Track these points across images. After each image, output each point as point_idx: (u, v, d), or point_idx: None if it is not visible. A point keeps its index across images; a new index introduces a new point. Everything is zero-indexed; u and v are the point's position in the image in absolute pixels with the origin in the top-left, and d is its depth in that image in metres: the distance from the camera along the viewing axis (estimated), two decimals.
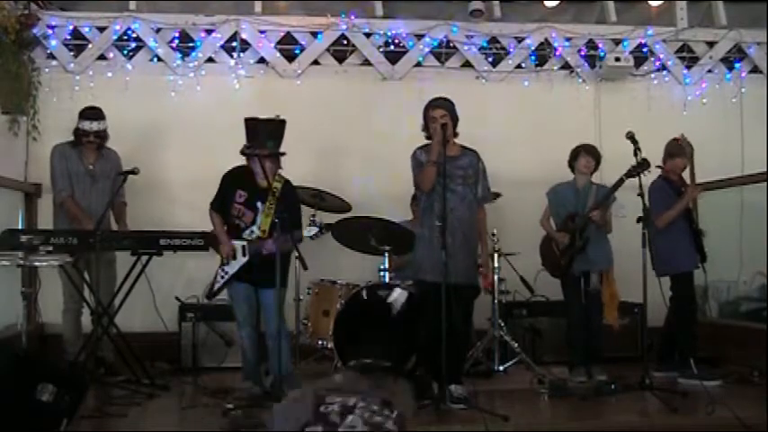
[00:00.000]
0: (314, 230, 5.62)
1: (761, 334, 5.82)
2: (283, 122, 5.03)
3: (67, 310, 5.73)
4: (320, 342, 5.82)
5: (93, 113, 5.72)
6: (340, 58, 7.22)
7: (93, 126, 5.68)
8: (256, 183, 5.01)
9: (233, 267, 4.97)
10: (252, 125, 4.99)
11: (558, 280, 5.81)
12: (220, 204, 5.09)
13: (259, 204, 4.96)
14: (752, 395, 5.10)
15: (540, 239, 5.90)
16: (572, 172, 5.86)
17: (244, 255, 4.94)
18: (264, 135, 4.95)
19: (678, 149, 5.80)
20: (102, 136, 5.74)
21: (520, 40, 7.33)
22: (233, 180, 5.10)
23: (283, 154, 5.05)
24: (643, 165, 5.26)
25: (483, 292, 5.38)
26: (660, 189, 5.75)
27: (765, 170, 6.06)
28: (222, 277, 5.01)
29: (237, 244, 4.97)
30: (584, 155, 5.80)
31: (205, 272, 6.04)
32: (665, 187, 5.77)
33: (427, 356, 4.94)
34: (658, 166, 5.78)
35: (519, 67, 7.35)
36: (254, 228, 4.98)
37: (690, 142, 5.77)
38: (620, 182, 5.42)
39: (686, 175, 5.82)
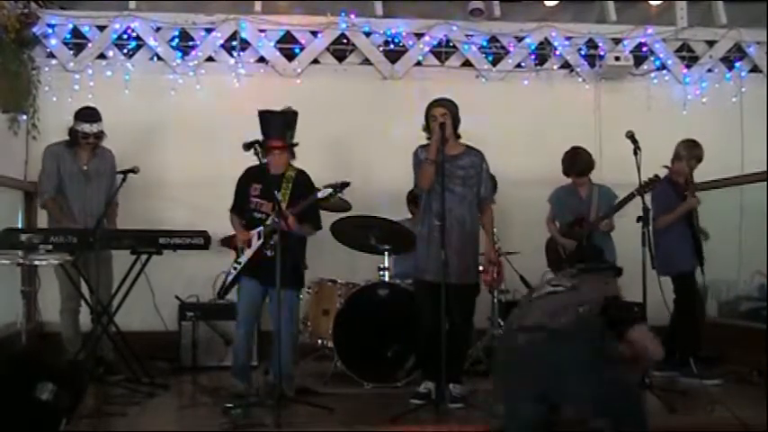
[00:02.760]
0: (328, 191, 4.87)
1: (760, 333, 5.82)
2: (296, 113, 5.06)
3: (65, 309, 5.72)
4: (320, 341, 5.82)
5: (90, 115, 5.69)
6: (340, 57, 7.22)
7: (94, 128, 5.66)
8: (270, 174, 4.99)
9: (246, 256, 4.96)
10: (267, 117, 5.00)
11: None
12: (239, 207, 5.12)
13: (276, 193, 4.93)
14: (751, 395, 5.10)
15: (544, 240, 5.90)
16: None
17: (259, 239, 4.92)
18: (281, 126, 4.96)
19: (686, 151, 5.77)
20: (99, 137, 5.73)
21: (520, 39, 7.33)
22: (246, 179, 5.11)
23: (296, 144, 5.07)
24: (655, 181, 5.25)
25: (486, 289, 5.40)
26: (662, 190, 5.73)
27: (765, 170, 6.06)
28: (235, 269, 5.01)
29: (254, 231, 4.97)
30: (575, 177, 5.87)
31: (205, 270, 6.08)
32: (666, 189, 5.74)
33: (426, 355, 4.94)
34: (665, 166, 5.78)
35: (519, 66, 7.34)
36: (275, 216, 4.88)
37: (697, 154, 5.75)
38: (631, 196, 5.36)
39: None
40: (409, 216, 6.28)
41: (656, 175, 5.27)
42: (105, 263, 5.71)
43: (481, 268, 5.21)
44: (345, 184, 4.87)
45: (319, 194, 4.82)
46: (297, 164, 5.17)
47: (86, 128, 5.65)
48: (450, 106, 4.98)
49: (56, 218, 5.67)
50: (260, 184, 5.03)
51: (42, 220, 6.32)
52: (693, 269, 5.74)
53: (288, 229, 4.73)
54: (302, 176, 5.04)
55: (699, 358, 5.57)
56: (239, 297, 5.06)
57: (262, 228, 4.93)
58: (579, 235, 5.64)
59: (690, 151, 5.77)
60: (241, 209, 5.10)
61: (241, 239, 5.02)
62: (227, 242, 5.29)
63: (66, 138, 5.74)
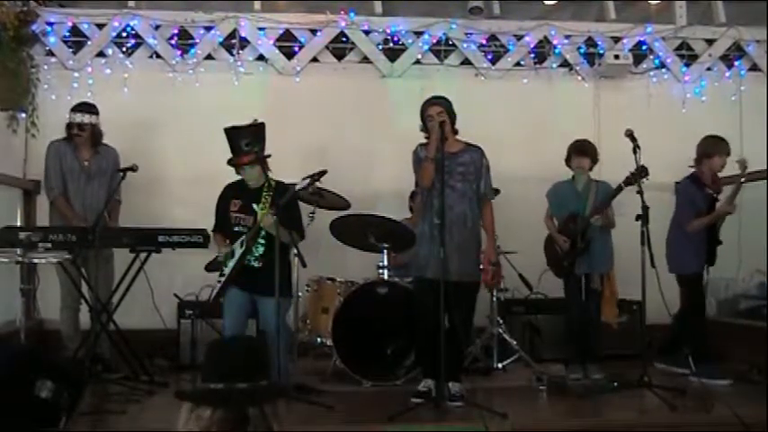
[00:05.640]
0: (306, 182, 4.87)
1: (760, 332, 5.83)
2: (263, 125, 5.08)
3: (65, 307, 5.72)
4: (319, 339, 5.82)
5: (81, 107, 5.72)
6: (339, 55, 7.21)
7: (86, 118, 5.65)
8: (248, 188, 5.03)
9: (230, 264, 4.96)
10: (233, 134, 5.01)
11: (559, 279, 5.81)
12: (221, 225, 5.16)
13: (254, 206, 4.97)
14: (751, 393, 5.09)
15: (544, 239, 5.89)
16: (571, 169, 5.86)
17: (241, 246, 4.92)
18: (248, 140, 4.97)
19: (715, 147, 5.69)
20: (85, 129, 5.68)
21: (519, 37, 7.32)
22: (225, 196, 5.17)
23: (268, 156, 5.06)
24: (641, 172, 5.16)
25: (486, 288, 5.40)
26: (685, 190, 5.70)
27: (765, 168, 6.06)
28: (219, 281, 5.02)
29: (237, 243, 4.98)
30: (576, 156, 5.75)
31: (204, 269, 6.05)
32: (691, 188, 5.69)
33: (426, 354, 4.94)
34: (692, 166, 5.76)
35: (518, 64, 7.34)
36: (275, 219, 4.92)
37: (726, 149, 5.72)
38: (619, 189, 5.33)
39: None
40: (409, 215, 6.28)
41: (643, 166, 5.19)
42: (106, 261, 5.70)
43: (481, 267, 5.21)
44: (322, 173, 4.88)
45: (298, 186, 4.83)
46: (295, 161, 5.17)
47: (78, 117, 5.64)
48: (445, 104, 4.98)
49: (67, 215, 5.65)
50: (239, 200, 5.07)
51: (42, 218, 6.32)
52: (700, 270, 5.72)
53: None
54: (281, 187, 5.05)
55: (703, 356, 5.56)
56: (225, 305, 5.06)
57: (244, 236, 4.95)
58: (573, 231, 5.62)
59: (721, 146, 5.70)
60: (223, 227, 5.14)
61: (224, 253, 5.05)
62: (211, 266, 5.31)
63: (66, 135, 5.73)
